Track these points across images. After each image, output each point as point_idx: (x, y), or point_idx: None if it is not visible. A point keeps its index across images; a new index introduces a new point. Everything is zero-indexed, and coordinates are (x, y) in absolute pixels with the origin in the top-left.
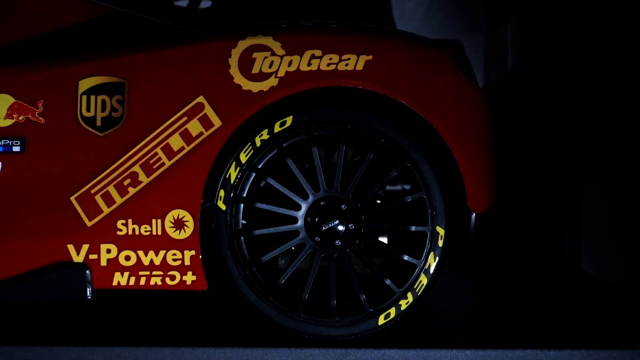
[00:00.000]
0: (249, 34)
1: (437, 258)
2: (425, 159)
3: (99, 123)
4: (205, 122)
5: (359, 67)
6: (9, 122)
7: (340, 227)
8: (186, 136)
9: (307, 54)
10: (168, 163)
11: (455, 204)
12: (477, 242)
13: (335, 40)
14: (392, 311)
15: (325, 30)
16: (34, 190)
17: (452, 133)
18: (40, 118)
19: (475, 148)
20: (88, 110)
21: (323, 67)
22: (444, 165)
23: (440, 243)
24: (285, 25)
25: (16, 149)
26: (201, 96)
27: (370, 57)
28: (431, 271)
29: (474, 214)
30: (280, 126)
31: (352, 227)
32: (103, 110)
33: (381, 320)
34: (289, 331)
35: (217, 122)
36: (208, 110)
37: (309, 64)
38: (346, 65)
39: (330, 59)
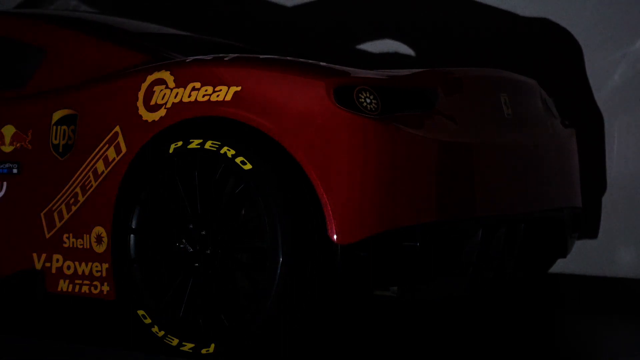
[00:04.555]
0: (156, 69)
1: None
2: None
3: (60, 149)
4: (117, 149)
5: (228, 97)
6: (10, 148)
7: (190, 249)
8: (106, 161)
9: (190, 86)
10: (95, 185)
11: (306, 237)
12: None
13: (210, 72)
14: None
15: (204, 64)
16: (23, 206)
17: (312, 162)
18: (29, 145)
19: (341, 179)
20: (55, 138)
21: (200, 98)
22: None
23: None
24: (190, 60)
25: (14, 171)
26: (117, 126)
27: (239, 88)
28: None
29: (340, 246)
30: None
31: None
32: (63, 138)
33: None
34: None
35: (124, 148)
36: (120, 138)
37: (190, 96)
38: (217, 96)
39: (206, 90)
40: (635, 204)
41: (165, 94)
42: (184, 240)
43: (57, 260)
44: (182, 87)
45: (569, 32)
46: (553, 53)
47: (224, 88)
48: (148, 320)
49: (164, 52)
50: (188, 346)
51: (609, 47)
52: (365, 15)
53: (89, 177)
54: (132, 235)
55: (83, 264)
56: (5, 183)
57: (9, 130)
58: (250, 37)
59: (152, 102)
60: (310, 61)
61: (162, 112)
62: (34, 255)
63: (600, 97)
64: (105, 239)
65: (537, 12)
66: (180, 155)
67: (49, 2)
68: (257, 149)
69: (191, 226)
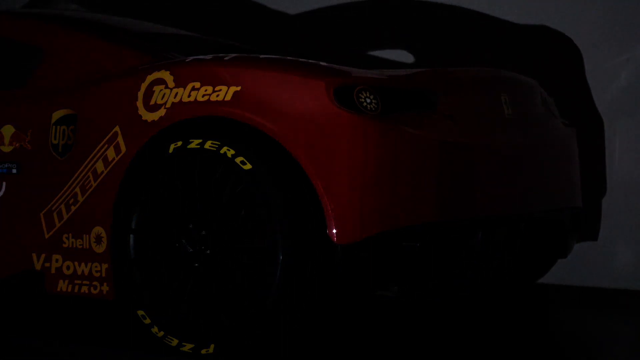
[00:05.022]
0: (156, 69)
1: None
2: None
3: (60, 149)
4: (117, 149)
5: (228, 97)
6: (10, 148)
7: (190, 249)
8: (105, 161)
9: (189, 86)
10: (94, 185)
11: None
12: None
13: (210, 72)
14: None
15: (204, 64)
16: (22, 206)
17: (312, 162)
18: (28, 145)
19: (341, 179)
20: (55, 138)
21: (199, 98)
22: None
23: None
24: (189, 60)
25: (14, 171)
26: (117, 126)
27: (238, 88)
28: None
29: (339, 246)
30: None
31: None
32: (63, 138)
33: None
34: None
35: (123, 149)
36: (119, 138)
37: (189, 96)
38: (217, 96)
39: (206, 90)
40: (636, 207)
41: (164, 93)
42: (183, 241)
43: (57, 261)
44: (181, 87)
45: (573, 35)
46: (558, 56)
47: (224, 88)
48: (148, 321)
49: (164, 52)
50: (188, 346)
51: (613, 51)
52: (368, 23)
53: (89, 177)
54: (131, 235)
55: (82, 264)
56: (4, 183)
57: (8, 130)
58: (251, 38)
59: (152, 102)
60: (310, 61)
61: (161, 112)
62: (34, 255)
63: (604, 100)
64: (104, 239)
65: (542, 16)
66: (179, 155)
67: (50, 4)
68: (257, 149)
69: (191, 226)
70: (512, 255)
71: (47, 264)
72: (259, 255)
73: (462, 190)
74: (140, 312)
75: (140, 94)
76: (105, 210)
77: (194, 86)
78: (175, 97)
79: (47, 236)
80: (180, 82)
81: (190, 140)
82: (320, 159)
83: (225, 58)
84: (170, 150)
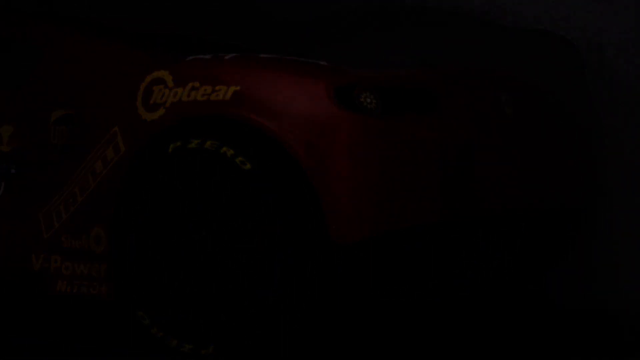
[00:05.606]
0: (155, 69)
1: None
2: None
3: (59, 149)
4: (116, 149)
5: (227, 97)
6: (9, 148)
7: (190, 250)
8: (104, 161)
9: (189, 85)
10: (93, 185)
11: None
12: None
13: (210, 72)
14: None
15: (203, 63)
16: (21, 207)
17: (312, 162)
18: (27, 145)
19: (341, 179)
20: (54, 138)
21: (199, 97)
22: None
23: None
24: (189, 59)
25: (13, 171)
26: (116, 126)
27: (238, 88)
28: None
29: (340, 247)
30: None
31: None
32: (62, 138)
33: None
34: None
35: (122, 148)
36: (119, 138)
37: (189, 95)
38: (217, 95)
39: (205, 89)
40: (637, 207)
41: (164, 93)
42: (183, 241)
43: (56, 261)
44: (181, 86)
45: (577, 34)
46: (559, 57)
47: (224, 87)
48: (147, 321)
49: (164, 52)
50: (187, 347)
51: (615, 52)
52: (369, 23)
53: (88, 177)
54: (131, 236)
55: (81, 264)
56: (3, 183)
57: (7, 130)
58: (251, 38)
59: (151, 102)
60: (310, 61)
61: (161, 111)
62: (32, 255)
63: (605, 100)
64: (103, 240)
65: (544, 17)
66: (179, 155)
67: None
68: (256, 149)
69: (191, 226)
70: (513, 255)
71: (45, 265)
72: (259, 255)
73: (462, 191)
74: (140, 313)
75: (140, 94)
76: (105, 211)
77: (193, 86)
78: (174, 97)
79: (45, 236)
80: (179, 82)
81: (190, 140)
82: (320, 159)
83: (225, 58)
84: (170, 150)
